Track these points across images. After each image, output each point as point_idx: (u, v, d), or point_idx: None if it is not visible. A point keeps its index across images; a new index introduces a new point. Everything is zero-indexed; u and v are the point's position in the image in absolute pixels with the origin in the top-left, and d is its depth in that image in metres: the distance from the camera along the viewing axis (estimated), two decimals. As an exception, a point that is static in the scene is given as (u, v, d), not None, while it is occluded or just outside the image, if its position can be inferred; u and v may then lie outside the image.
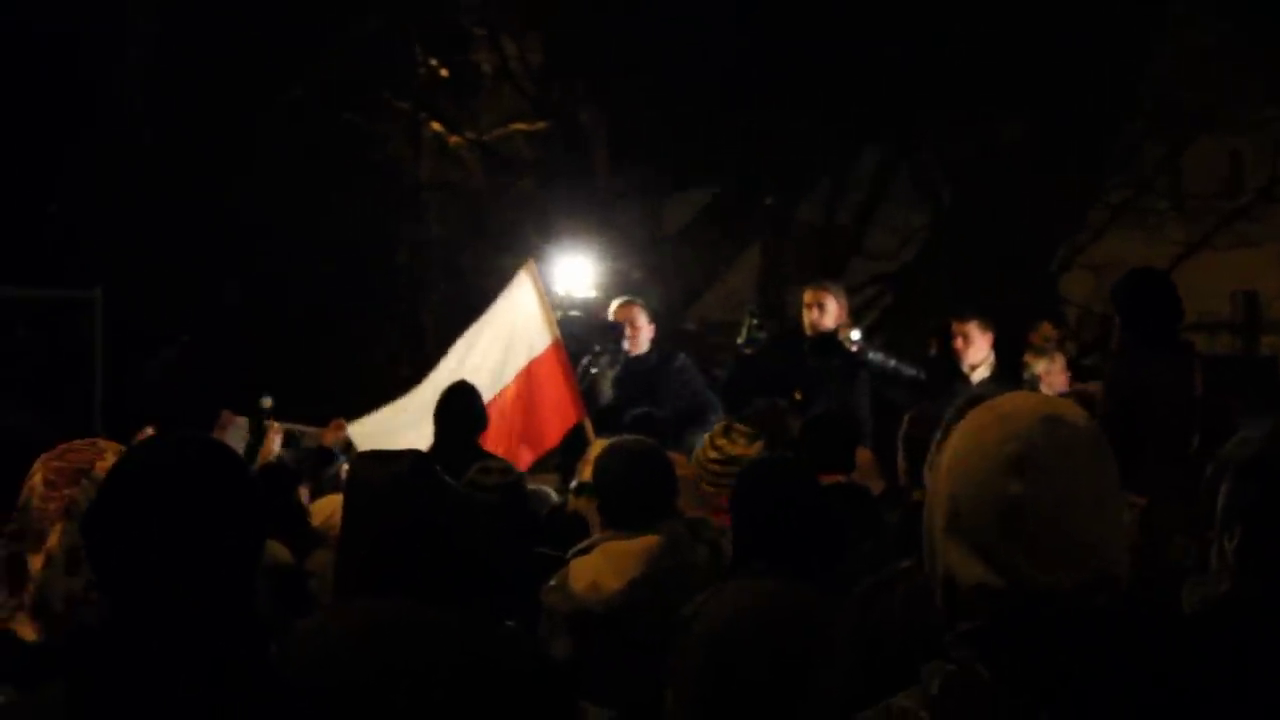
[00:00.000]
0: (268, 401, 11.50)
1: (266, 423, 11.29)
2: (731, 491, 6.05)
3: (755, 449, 7.71)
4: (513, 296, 11.22)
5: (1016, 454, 2.76)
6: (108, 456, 3.78)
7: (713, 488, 7.59)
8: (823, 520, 5.73)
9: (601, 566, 6.33)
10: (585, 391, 11.41)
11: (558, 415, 10.95)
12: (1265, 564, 3.57)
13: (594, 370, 11.98)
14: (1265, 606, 3.50)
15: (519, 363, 10.99)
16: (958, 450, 2.87)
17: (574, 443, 10.68)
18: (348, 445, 11.09)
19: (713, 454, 7.69)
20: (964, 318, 11.95)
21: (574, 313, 13.90)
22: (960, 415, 4.11)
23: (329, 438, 11.40)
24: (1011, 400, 2.94)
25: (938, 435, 4.20)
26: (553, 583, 6.42)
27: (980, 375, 11.67)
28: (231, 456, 3.20)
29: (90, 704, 2.94)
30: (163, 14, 19.06)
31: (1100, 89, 18.63)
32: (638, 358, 12.10)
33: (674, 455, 7.48)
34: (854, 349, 11.79)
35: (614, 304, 12.53)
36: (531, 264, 11.44)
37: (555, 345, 11.00)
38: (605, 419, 10.95)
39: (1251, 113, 20.13)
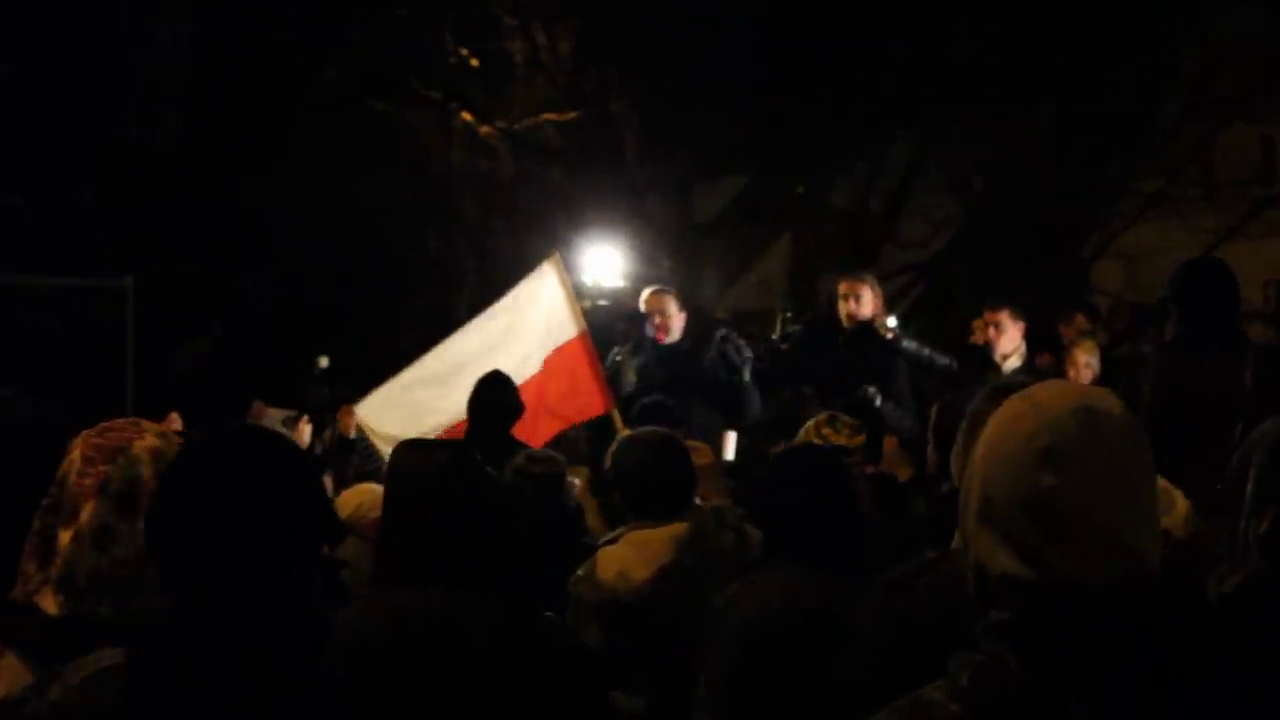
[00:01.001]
0: (324, 361, 11.52)
1: (321, 390, 11.31)
2: (764, 481, 6.06)
3: (858, 441, 7.69)
4: (535, 287, 11.20)
5: (1049, 445, 2.74)
6: (147, 436, 3.80)
7: None
8: (854, 511, 5.75)
9: (629, 556, 6.35)
10: (610, 380, 11.41)
11: (576, 405, 10.93)
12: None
13: (618, 359, 11.98)
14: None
15: (542, 354, 10.96)
16: (991, 440, 2.86)
17: (605, 433, 10.68)
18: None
19: (817, 443, 7.64)
20: (996, 307, 11.92)
21: (602, 302, 13.91)
22: (986, 403, 4.11)
23: (345, 425, 11.43)
24: (1045, 390, 2.92)
25: (964, 423, 4.20)
26: (580, 573, 6.44)
27: (1012, 365, 11.62)
28: (293, 449, 3.23)
29: (150, 695, 2.97)
30: (193, 4, 19.11)
31: (1132, 76, 18.58)
32: (669, 346, 12.09)
33: (693, 444, 7.49)
34: (889, 335, 11.77)
35: (645, 293, 12.50)
36: (556, 256, 11.42)
37: (581, 336, 10.98)
38: (626, 408, 10.97)
39: (1284, 100, 20.07)
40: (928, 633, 3.60)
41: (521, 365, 10.80)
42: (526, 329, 11.06)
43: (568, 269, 14.27)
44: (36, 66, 18.05)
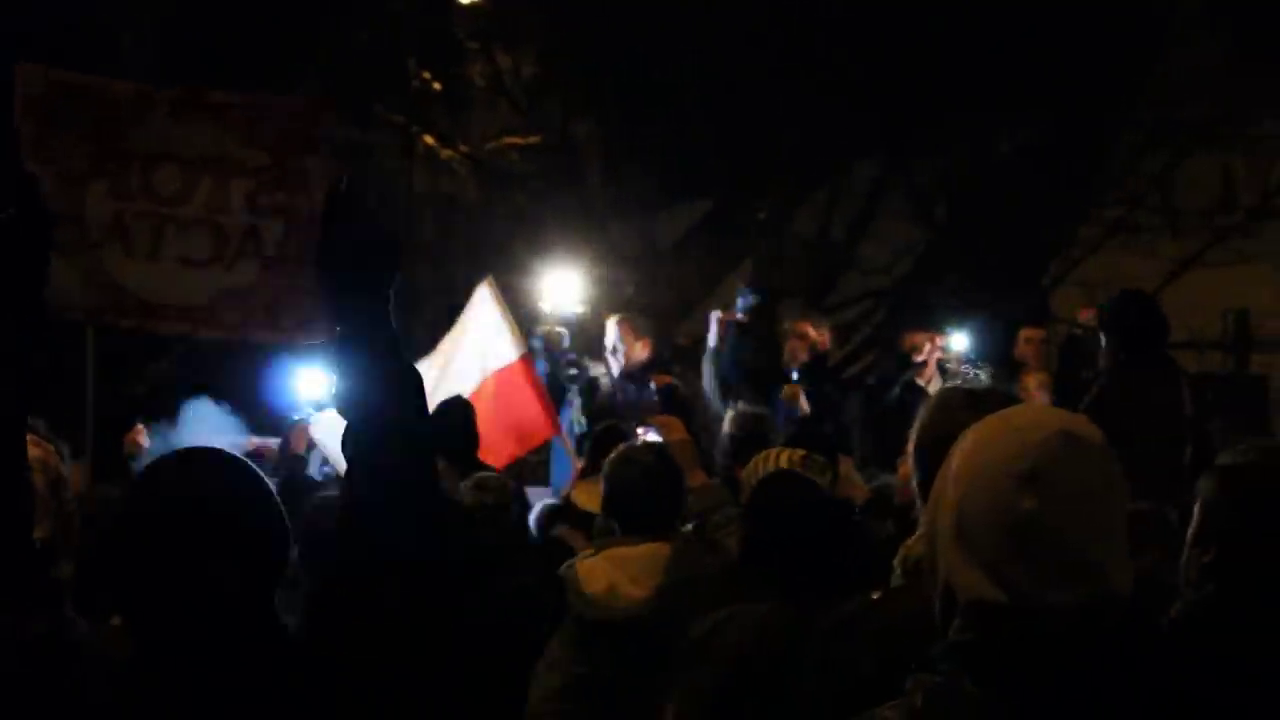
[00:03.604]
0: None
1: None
2: (747, 510, 6.02)
3: (827, 479, 7.64)
4: (474, 313, 11.17)
5: (1030, 469, 2.74)
6: (28, 445, 3.78)
7: None
8: (840, 543, 5.71)
9: (613, 572, 6.31)
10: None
11: (522, 430, 10.86)
12: (1242, 582, 3.57)
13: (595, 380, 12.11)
14: (1244, 622, 3.50)
15: (479, 375, 10.89)
16: (967, 461, 2.83)
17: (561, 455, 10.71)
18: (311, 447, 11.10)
19: None
20: (920, 330, 12.31)
21: (560, 329, 13.90)
22: (938, 404, 4.09)
23: (296, 441, 11.44)
24: (1025, 414, 2.94)
25: (921, 432, 4.18)
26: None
27: (935, 386, 11.80)
28: (247, 468, 3.22)
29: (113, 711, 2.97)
30: (155, 25, 19.04)
31: (1096, 104, 18.67)
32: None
33: (665, 419, 7.46)
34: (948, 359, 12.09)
35: (610, 321, 12.55)
36: (490, 279, 11.38)
37: (523, 360, 10.91)
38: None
39: (1245, 129, 20.13)
40: (870, 682, 3.59)
41: (462, 387, 10.73)
42: (466, 353, 11.02)
43: (528, 294, 14.29)
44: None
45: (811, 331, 12.36)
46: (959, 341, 12.58)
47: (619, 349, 12.18)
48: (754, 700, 5.23)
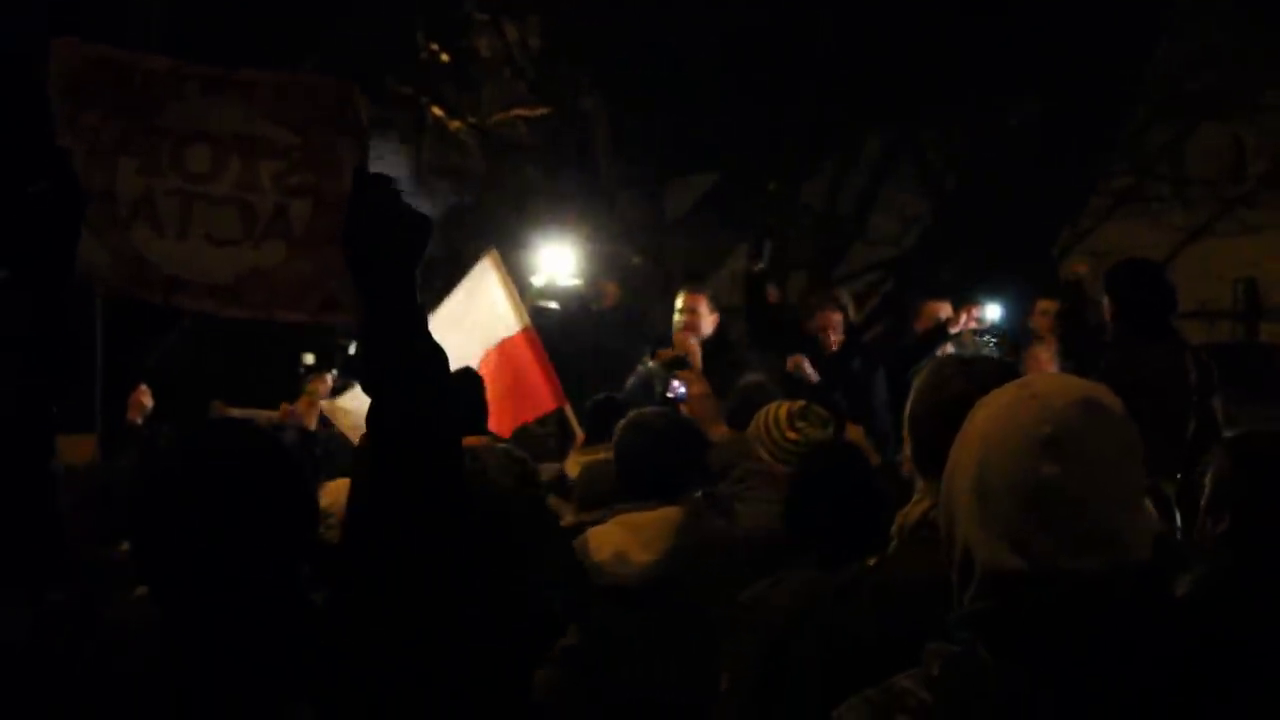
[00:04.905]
0: (309, 358, 11.41)
1: (310, 384, 11.24)
2: (794, 477, 6.01)
3: (828, 434, 7.62)
4: (474, 284, 11.11)
5: (1052, 435, 2.74)
6: None
7: (787, 467, 7.38)
8: (880, 509, 5.71)
9: (623, 538, 6.29)
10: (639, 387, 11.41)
11: (525, 402, 10.82)
12: (1257, 549, 3.57)
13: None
14: (1260, 588, 3.50)
15: (484, 349, 10.84)
16: (988, 427, 2.83)
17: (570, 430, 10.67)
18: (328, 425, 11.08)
19: (793, 435, 7.52)
20: (934, 300, 12.33)
21: (552, 305, 13.86)
22: (931, 373, 4.09)
23: (312, 422, 11.41)
24: (1046, 381, 2.92)
25: (910, 398, 4.17)
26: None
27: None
28: (273, 441, 3.22)
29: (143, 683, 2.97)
30: (163, 6, 19.04)
31: (1106, 74, 18.64)
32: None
33: (687, 374, 7.38)
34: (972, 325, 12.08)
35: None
36: (494, 252, 11.31)
37: (525, 332, 10.85)
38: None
39: (1255, 98, 20.10)
40: (866, 648, 3.58)
41: (463, 359, 10.69)
42: (468, 325, 10.97)
43: (533, 266, 14.26)
44: (7, 60, 17.97)
45: (838, 316, 12.32)
46: (993, 312, 12.56)
47: (695, 320, 11.92)
48: (799, 666, 5.24)
